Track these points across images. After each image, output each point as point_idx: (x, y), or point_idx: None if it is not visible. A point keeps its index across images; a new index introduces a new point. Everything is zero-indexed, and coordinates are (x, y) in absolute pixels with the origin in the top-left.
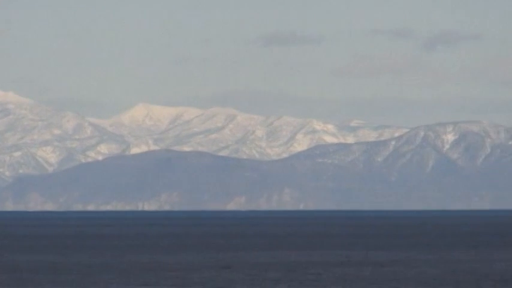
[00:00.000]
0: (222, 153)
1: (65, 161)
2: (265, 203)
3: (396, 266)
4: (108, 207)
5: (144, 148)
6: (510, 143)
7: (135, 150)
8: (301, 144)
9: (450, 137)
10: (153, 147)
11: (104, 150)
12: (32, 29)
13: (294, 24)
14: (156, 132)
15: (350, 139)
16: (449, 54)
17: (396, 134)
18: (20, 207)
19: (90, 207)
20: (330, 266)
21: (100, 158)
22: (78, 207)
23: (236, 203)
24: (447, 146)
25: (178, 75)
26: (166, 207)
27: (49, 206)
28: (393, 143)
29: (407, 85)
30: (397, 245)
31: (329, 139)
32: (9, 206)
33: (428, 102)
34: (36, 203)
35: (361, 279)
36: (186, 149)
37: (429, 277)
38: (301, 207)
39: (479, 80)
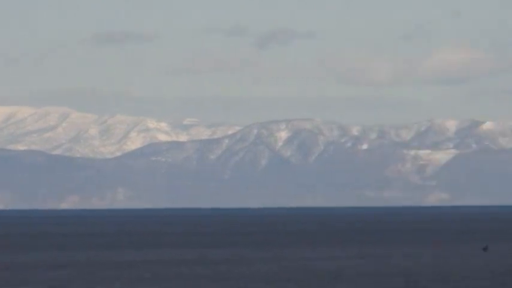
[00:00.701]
0: (56, 152)
1: None
2: (98, 202)
3: (231, 264)
4: None
5: None
6: (343, 140)
7: None
8: (135, 142)
9: (283, 135)
10: None
11: None
12: None
13: (128, 23)
14: None
15: (183, 137)
16: (282, 52)
17: (229, 132)
18: None
19: None
20: (166, 264)
21: None
22: None
23: (69, 202)
24: (280, 144)
25: (11, 74)
26: (0, 206)
27: None
28: (226, 141)
29: (240, 83)
30: (232, 243)
31: (162, 137)
32: None
33: (262, 100)
34: None
35: (197, 277)
36: (20, 147)
37: (263, 275)
38: (135, 205)
39: (312, 77)
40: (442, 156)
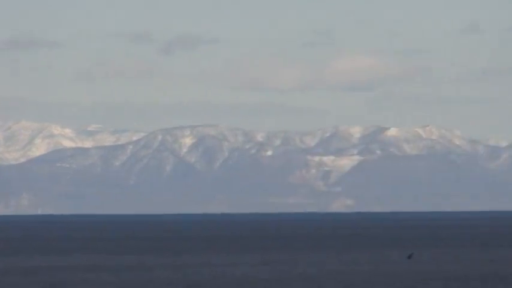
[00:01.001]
0: None
1: None
2: (3, 208)
3: (133, 270)
4: None
5: None
6: (247, 146)
7: None
8: (40, 148)
9: (188, 141)
10: None
11: None
12: None
13: (32, 27)
14: None
15: (88, 143)
16: (187, 58)
17: (134, 138)
18: None
19: None
20: (72, 270)
21: None
22: None
23: None
24: (185, 150)
25: None
26: None
27: None
28: (131, 147)
29: (145, 89)
30: (137, 249)
31: (67, 143)
32: None
33: (166, 106)
34: None
35: (103, 283)
36: None
37: (163, 281)
38: (39, 211)
39: (217, 83)
40: (347, 162)
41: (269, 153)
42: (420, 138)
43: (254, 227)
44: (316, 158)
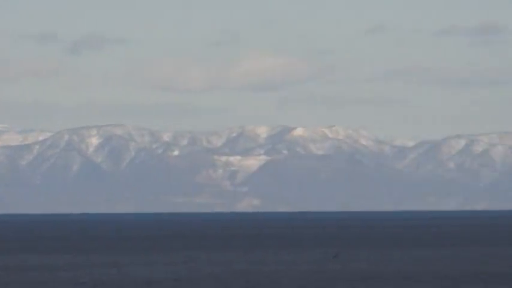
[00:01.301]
0: None
1: None
2: None
3: (38, 270)
4: None
5: None
6: (154, 146)
7: None
8: None
9: (94, 141)
10: None
11: None
12: None
13: None
14: None
15: None
16: (94, 57)
17: (40, 138)
18: None
19: None
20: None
21: None
22: None
23: None
24: (91, 150)
25: None
26: None
27: None
28: (37, 147)
29: (51, 89)
30: (39, 248)
31: None
32: None
33: (73, 105)
34: None
35: (5, 283)
36: None
37: (68, 281)
38: None
39: (123, 83)
40: (253, 162)
41: (176, 153)
42: (326, 138)
43: (161, 226)
44: (223, 158)
